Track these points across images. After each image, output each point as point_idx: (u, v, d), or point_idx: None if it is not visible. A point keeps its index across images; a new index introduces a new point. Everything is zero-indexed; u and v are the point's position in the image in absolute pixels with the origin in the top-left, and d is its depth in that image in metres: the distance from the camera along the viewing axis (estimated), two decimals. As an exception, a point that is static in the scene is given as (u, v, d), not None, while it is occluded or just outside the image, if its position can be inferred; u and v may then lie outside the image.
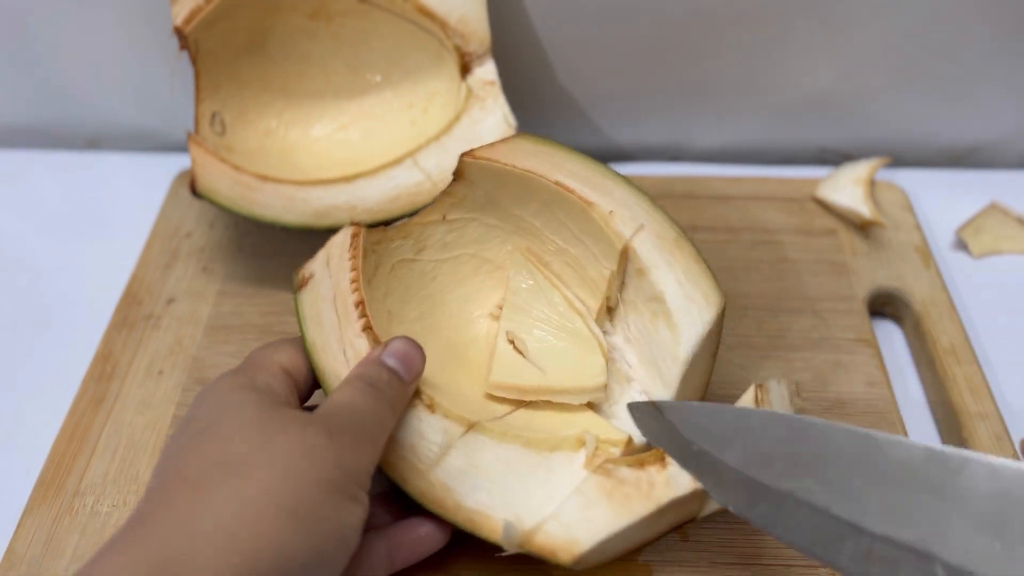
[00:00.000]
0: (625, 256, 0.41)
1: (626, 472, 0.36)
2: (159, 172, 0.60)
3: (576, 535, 0.35)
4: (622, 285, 0.42)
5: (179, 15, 0.49)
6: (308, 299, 0.42)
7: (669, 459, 0.36)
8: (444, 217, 0.46)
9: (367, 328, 0.40)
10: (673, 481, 0.36)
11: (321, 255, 0.43)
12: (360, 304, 0.40)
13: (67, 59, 0.60)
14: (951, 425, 0.45)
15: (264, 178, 0.50)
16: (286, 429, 0.32)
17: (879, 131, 0.62)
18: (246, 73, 0.55)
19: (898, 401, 0.46)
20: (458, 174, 0.45)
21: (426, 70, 0.56)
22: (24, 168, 0.62)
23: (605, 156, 0.63)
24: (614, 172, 0.44)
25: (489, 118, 0.51)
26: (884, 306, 0.52)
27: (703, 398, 0.42)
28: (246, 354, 0.48)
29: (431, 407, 0.38)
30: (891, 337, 0.51)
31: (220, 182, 0.49)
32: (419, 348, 0.38)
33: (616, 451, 0.38)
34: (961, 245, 0.56)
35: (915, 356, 0.50)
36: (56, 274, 0.55)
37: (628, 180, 0.43)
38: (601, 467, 0.36)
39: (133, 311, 0.51)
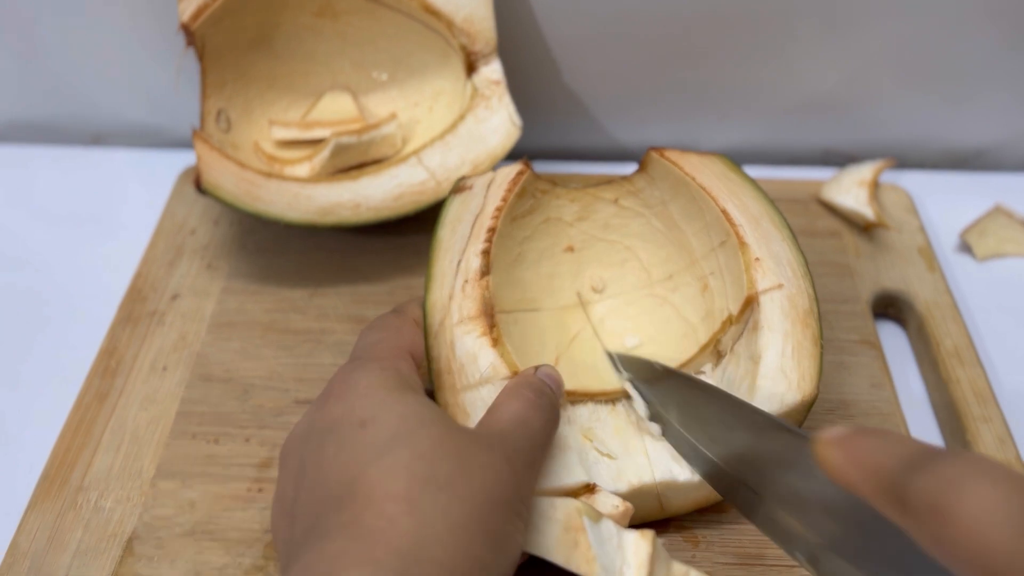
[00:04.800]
0: (749, 306, 0.41)
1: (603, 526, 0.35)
2: (164, 169, 0.60)
3: None
4: (740, 336, 0.41)
5: (186, 12, 0.49)
6: (456, 204, 0.44)
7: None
8: (617, 201, 0.48)
9: (486, 253, 0.41)
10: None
11: (486, 176, 0.45)
12: (492, 231, 0.42)
13: (73, 55, 0.60)
14: (954, 427, 0.45)
15: (268, 175, 0.50)
16: (477, 453, 0.32)
17: (883, 133, 0.62)
18: (252, 70, 0.55)
19: (901, 403, 0.46)
20: (642, 166, 0.47)
21: (432, 69, 0.56)
22: (29, 164, 0.63)
23: (610, 156, 0.63)
24: (787, 225, 0.43)
25: (494, 117, 0.51)
26: (888, 308, 0.52)
27: None
28: (250, 351, 0.49)
29: (496, 341, 0.39)
30: (895, 339, 0.51)
31: (225, 179, 0.49)
32: (561, 378, 0.39)
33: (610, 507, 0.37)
34: (965, 248, 0.56)
35: (918, 358, 0.50)
36: (61, 270, 0.55)
37: (795, 239, 0.43)
38: (589, 505, 0.36)
39: (137, 307, 0.51)
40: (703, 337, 0.44)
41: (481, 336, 0.39)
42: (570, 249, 0.48)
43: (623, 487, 0.38)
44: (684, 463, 0.39)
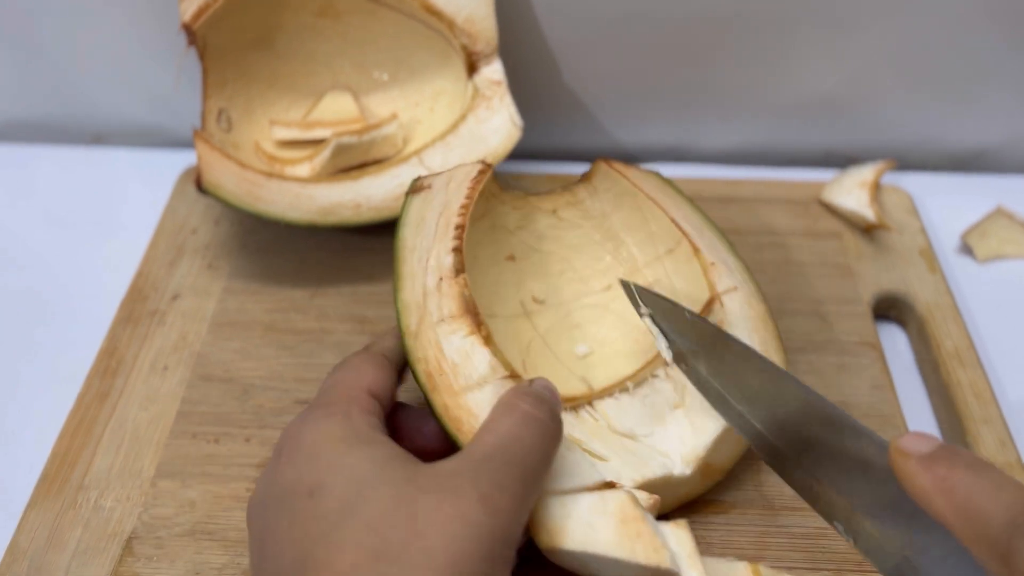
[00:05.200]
0: (710, 308, 0.41)
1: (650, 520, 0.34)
2: (165, 168, 0.60)
3: (568, 529, 0.33)
4: None
5: (187, 11, 0.49)
6: (417, 204, 0.43)
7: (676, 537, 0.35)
8: (555, 211, 0.48)
9: (457, 250, 0.40)
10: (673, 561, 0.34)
11: (444, 175, 0.44)
12: (461, 228, 0.41)
13: (74, 54, 0.60)
14: (955, 429, 0.45)
15: (269, 175, 0.50)
16: (439, 506, 0.29)
17: (885, 134, 0.62)
18: (253, 70, 0.55)
19: (902, 404, 0.46)
20: (587, 176, 0.48)
21: (433, 69, 0.56)
22: (30, 163, 0.63)
23: (611, 157, 0.63)
24: (724, 234, 0.45)
25: (495, 118, 0.51)
26: (889, 309, 0.52)
27: (735, 461, 0.42)
28: (250, 351, 0.49)
29: (487, 340, 0.38)
30: (895, 341, 0.51)
31: (226, 178, 0.49)
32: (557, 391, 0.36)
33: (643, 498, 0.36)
34: (966, 249, 0.56)
35: (919, 360, 0.50)
36: (61, 269, 0.55)
37: (735, 249, 0.45)
38: (631, 495, 0.34)
39: (138, 307, 0.51)
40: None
41: (470, 335, 0.38)
42: (511, 258, 0.48)
43: (627, 485, 0.38)
44: (673, 456, 0.39)
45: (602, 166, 0.47)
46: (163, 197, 0.58)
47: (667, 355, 0.39)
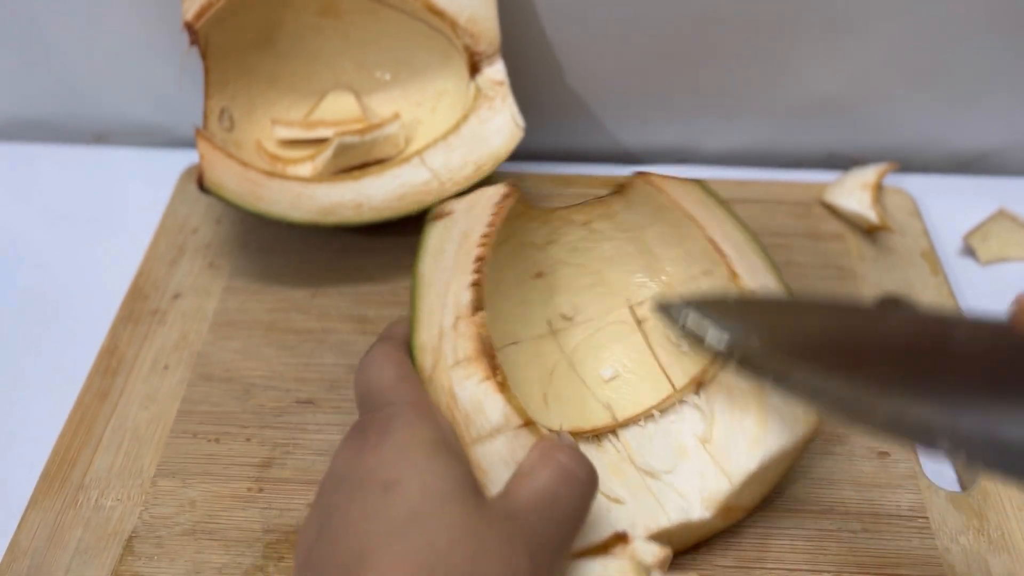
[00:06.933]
0: None
1: None
2: (167, 167, 0.60)
3: None
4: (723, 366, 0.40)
5: (189, 10, 0.49)
6: (436, 232, 0.41)
7: None
8: (588, 223, 0.46)
9: (477, 285, 0.38)
10: None
11: (468, 199, 0.42)
12: (480, 260, 0.39)
13: (76, 53, 0.60)
14: (957, 431, 0.45)
15: (271, 174, 0.50)
16: (495, 544, 0.30)
17: (887, 136, 0.62)
18: (255, 69, 0.55)
19: (903, 407, 0.46)
20: (622, 189, 0.45)
21: (435, 69, 0.56)
22: (31, 162, 0.62)
23: (613, 158, 0.63)
24: (767, 254, 0.43)
25: (497, 118, 0.51)
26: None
27: (760, 500, 0.41)
28: (251, 351, 0.49)
29: (502, 386, 0.36)
30: (897, 342, 0.51)
31: (227, 178, 0.49)
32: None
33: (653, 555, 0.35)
34: (968, 251, 0.56)
35: (921, 362, 0.50)
36: (62, 268, 0.55)
37: (778, 269, 0.42)
38: (637, 562, 0.34)
39: (139, 306, 0.51)
40: (685, 363, 0.42)
41: (484, 381, 0.36)
42: (539, 275, 0.46)
43: (640, 534, 0.37)
44: (692, 499, 0.38)
45: (638, 181, 0.44)
46: (164, 196, 0.58)
47: (719, 346, 0.37)
